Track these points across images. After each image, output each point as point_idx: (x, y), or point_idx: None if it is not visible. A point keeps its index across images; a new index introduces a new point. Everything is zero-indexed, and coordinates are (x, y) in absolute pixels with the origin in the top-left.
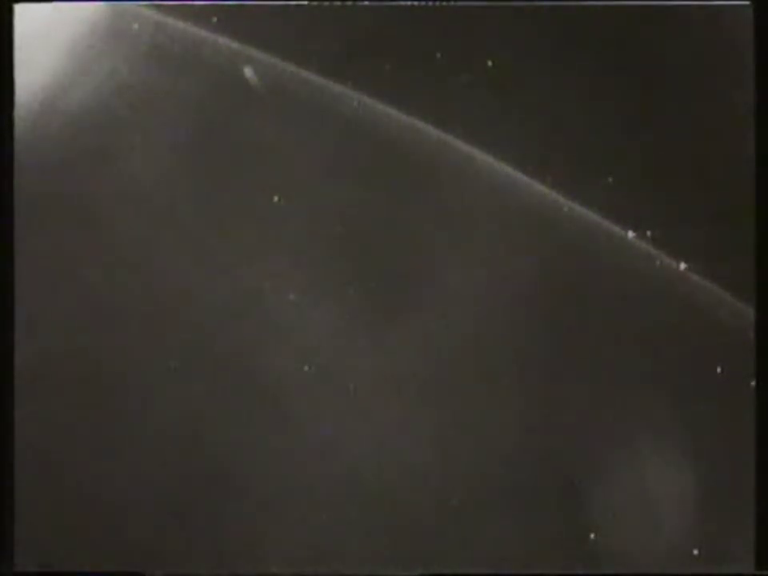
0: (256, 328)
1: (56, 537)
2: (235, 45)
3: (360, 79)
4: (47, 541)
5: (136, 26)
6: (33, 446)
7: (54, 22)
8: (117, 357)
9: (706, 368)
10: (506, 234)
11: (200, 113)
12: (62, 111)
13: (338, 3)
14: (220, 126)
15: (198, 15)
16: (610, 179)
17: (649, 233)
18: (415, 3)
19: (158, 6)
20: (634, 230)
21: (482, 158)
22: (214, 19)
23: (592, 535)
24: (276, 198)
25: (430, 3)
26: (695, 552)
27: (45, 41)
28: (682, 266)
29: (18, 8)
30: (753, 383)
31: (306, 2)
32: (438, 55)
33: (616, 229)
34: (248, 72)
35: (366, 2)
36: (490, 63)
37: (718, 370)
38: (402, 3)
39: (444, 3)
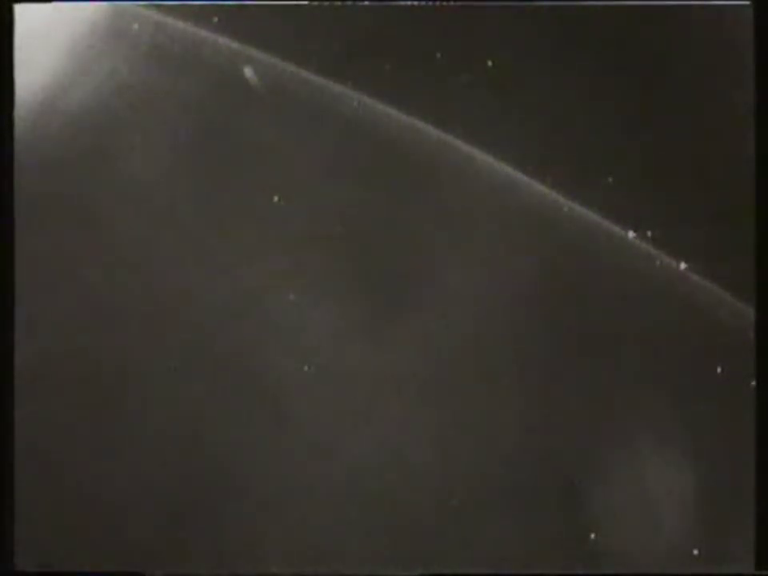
0: (256, 328)
1: (56, 537)
2: (235, 45)
3: (360, 79)
4: (47, 541)
5: (136, 26)
6: (33, 445)
7: (54, 21)
8: (117, 357)
9: (706, 368)
10: (506, 233)
11: (200, 113)
12: (62, 111)
13: (338, 3)
14: (220, 126)
15: (198, 15)
16: (610, 179)
17: (649, 233)
18: (415, 3)
19: (158, 6)
20: (634, 230)
21: (482, 157)
22: (214, 19)
23: (592, 535)
24: (276, 198)
25: (430, 3)
26: (695, 552)
27: (45, 41)
28: (682, 265)
29: (18, 8)
30: (753, 383)
31: (306, 2)
32: (438, 55)
33: (616, 229)
34: (248, 72)
35: (366, 2)
36: (489, 63)
37: (718, 369)
38: (402, 3)
39: (444, 3)
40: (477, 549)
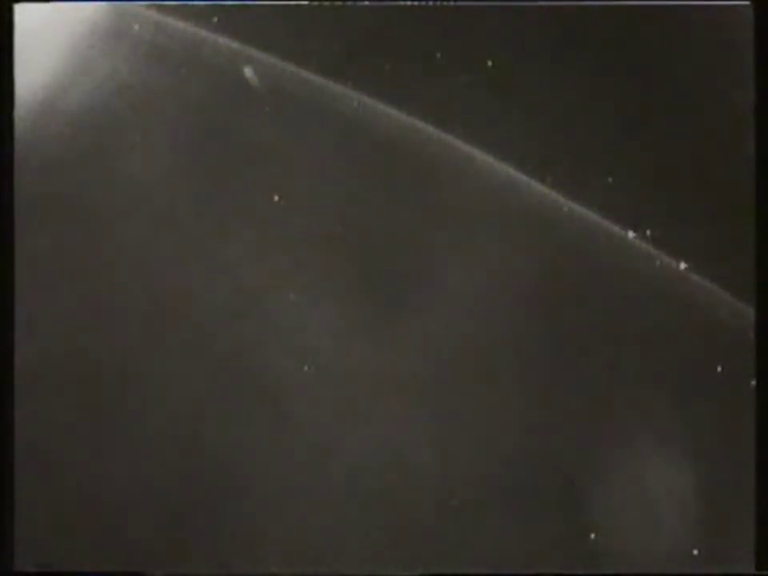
0: (256, 328)
1: (56, 537)
2: (235, 45)
3: (360, 79)
4: (47, 541)
5: (136, 26)
6: (33, 445)
7: (54, 21)
8: (117, 357)
9: (706, 368)
10: (506, 233)
11: (200, 113)
12: (62, 111)
13: (338, 3)
14: (220, 126)
15: (198, 15)
16: (610, 179)
17: (649, 233)
18: (415, 3)
19: (158, 6)
20: (634, 230)
21: (482, 157)
22: (214, 19)
23: (592, 535)
24: (276, 198)
25: (430, 3)
26: (695, 552)
27: (45, 41)
28: (682, 265)
29: (18, 8)
30: (753, 383)
31: (306, 2)
32: (438, 55)
33: (616, 229)
34: (248, 72)
35: (366, 2)
36: (489, 63)
37: (718, 369)
38: (402, 3)
39: (444, 3)
40: (477, 549)
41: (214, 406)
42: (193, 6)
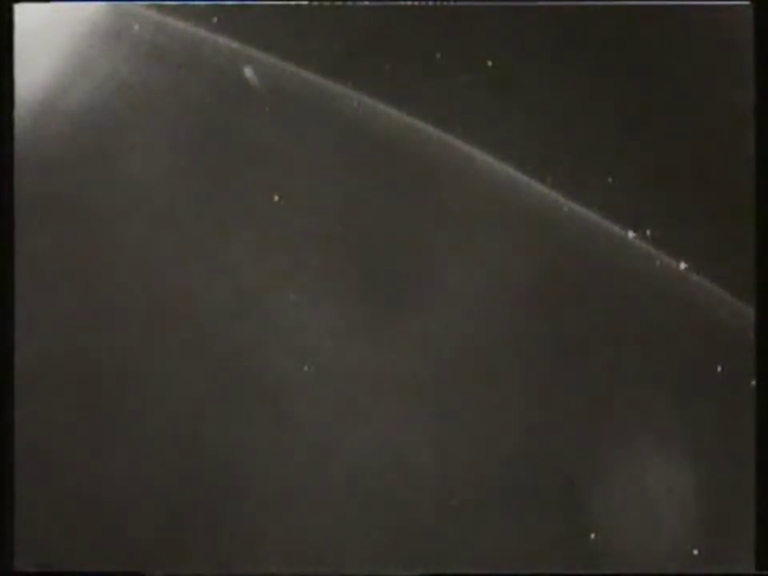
0: (256, 328)
1: (56, 537)
2: (235, 45)
3: (360, 79)
4: (47, 541)
5: (136, 26)
6: (33, 445)
7: (54, 21)
8: (117, 357)
9: (706, 368)
10: (506, 233)
11: (200, 113)
12: (62, 111)
13: (338, 3)
14: (220, 126)
15: (198, 15)
16: (610, 179)
17: (649, 233)
18: (415, 3)
19: (158, 6)
20: (634, 230)
21: (482, 157)
22: (214, 19)
23: (592, 535)
24: (276, 198)
25: (430, 3)
26: (695, 552)
27: (45, 41)
28: (682, 265)
29: (18, 8)
30: (753, 383)
31: (306, 2)
32: (438, 55)
33: (616, 229)
34: (248, 72)
35: (366, 2)
36: (489, 63)
37: (718, 369)
38: (402, 3)
39: (444, 3)
40: (477, 549)
41: (214, 406)
42: (193, 5)
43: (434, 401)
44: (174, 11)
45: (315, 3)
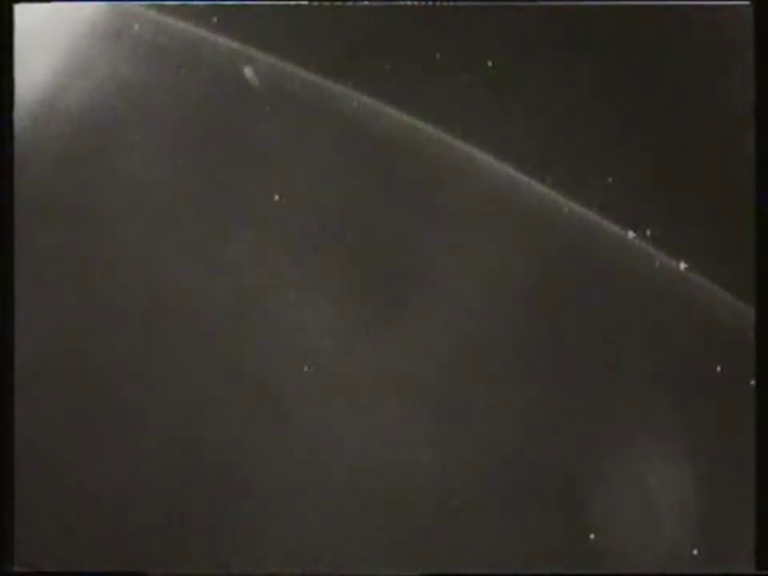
0: (256, 328)
1: (56, 537)
2: (235, 45)
3: (360, 79)
4: (47, 541)
5: (136, 26)
6: (33, 445)
7: (54, 21)
8: (117, 357)
9: (706, 368)
10: (506, 234)
11: (200, 113)
12: (62, 111)
13: (338, 3)
14: (220, 126)
15: (198, 15)
16: (610, 179)
17: (649, 233)
18: (415, 3)
19: (158, 6)
20: (634, 230)
21: (482, 157)
22: (214, 19)
23: (592, 535)
24: (276, 198)
25: (430, 3)
26: (695, 552)
27: (45, 41)
28: (682, 265)
29: (18, 8)
30: (753, 383)
31: (306, 2)
32: (438, 55)
33: (616, 229)
34: (248, 72)
35: (366, 2)
36: (489, 63)
37: (718, 369)
38: (402, 3)
39: (444, 3)
40: (477, 549)
41: (214, 406)
42: (193, 5)
43: (434, 401)
44: (173, 11)
45: (315, 3)
